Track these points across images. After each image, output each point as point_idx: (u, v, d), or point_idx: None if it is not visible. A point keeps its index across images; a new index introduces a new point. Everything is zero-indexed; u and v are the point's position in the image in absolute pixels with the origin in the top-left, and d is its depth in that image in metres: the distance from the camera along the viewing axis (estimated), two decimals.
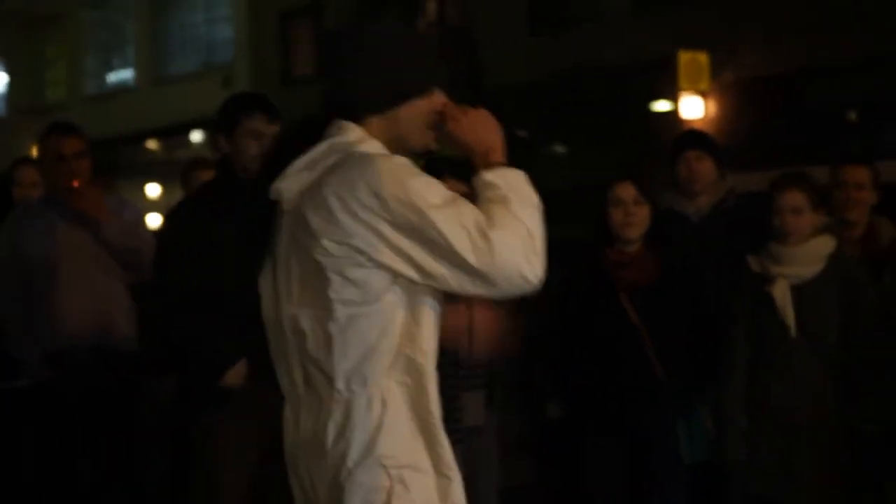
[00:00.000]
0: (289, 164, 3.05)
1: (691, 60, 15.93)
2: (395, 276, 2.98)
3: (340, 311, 2.99)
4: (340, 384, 3.02)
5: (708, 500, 5.56)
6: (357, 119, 3.10)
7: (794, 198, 5.29)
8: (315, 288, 3.00)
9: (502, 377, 5.07)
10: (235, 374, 4.72)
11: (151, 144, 27.04)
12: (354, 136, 3.07)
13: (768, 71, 15.28)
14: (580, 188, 7.17)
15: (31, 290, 5.90)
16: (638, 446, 5.31)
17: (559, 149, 19.26)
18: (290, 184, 3.05)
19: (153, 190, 25.18)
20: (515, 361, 5.16)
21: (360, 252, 2.94)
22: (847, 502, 5.23)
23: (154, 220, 15.75)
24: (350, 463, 3.01)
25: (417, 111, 3.13)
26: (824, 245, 5.33)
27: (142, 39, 27.20)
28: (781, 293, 5.28)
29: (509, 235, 2.95)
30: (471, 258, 2.92)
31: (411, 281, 2.99)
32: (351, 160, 2.99)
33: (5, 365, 5.99)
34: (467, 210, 2.95)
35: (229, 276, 4.70)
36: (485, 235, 2.93)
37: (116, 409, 5.91)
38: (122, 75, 28.25)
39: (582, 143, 18.07)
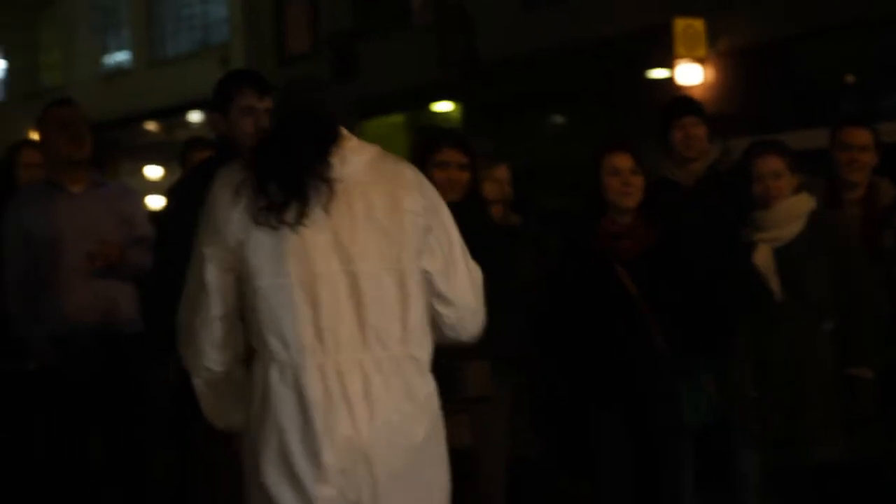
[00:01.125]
0: (306, 150, 3.40)
1: (687, 27, 15.89)
2: None
3: (417, 273, 3.42)
4: (412, 346, 3.40)
5: (715, 464, 5.60)
6: None
7: (774, 162, 5.36)
8: (400, 250, 3.39)
9: (507, 348, 5.07)
10: None
11: (149, 126, 27.00)
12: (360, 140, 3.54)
13: (765, 36, 15.24)
14: (578, 160, 7.17)
15: (36, 273, 5.92)
16: (640, 414, 5.33)
17: (557, 121, 19.24)
18: (353, 164, 3.41)
19: (152, 171, 25.15)
20: (515, 334, 5.16)
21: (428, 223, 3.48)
22: (850, 450, 5.27)
23: (154, 202, 15.76)
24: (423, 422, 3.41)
25: None
26: (802, 204, 5.38)
27: (137, 21, 27.13)
28: (763, 259, 5.33)
29: None
30: (474, 276, 3.58)
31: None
32: (398, 158, 3.58)
33: (13, 348, 6.02)
34: None
35: None
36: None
37: (121, 392, 5.94)
38: (118, 57, 28.20)
39: (579, 115, 18.04)
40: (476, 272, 3.59)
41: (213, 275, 3.42)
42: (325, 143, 3.41)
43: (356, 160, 3.42)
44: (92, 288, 5.89)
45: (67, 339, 5.87)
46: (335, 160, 3.39)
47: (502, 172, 6.21)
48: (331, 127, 3.46)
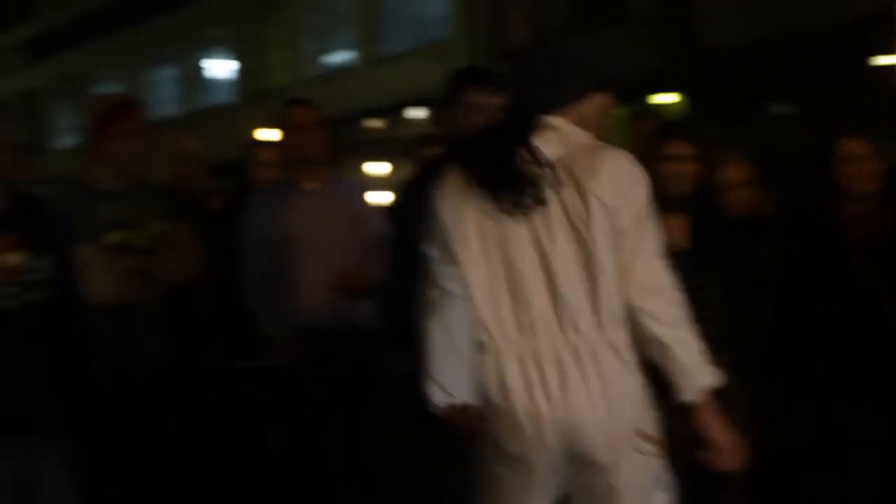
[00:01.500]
0: (512, 147, 3.51)
1: None
2: None
3: (607, 261, 3.45)
4: (607, 332, 3.45)
5: None
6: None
7: None
8: (589, 240, 3.44)
9: (745, 339, 5.01)
10: None
11: (371, 123, 27.42)
12: (570, 126, 3.56)
13: None
14: (804, 148, 7.05)
15: (273, 269, 6.04)
16: (887, 406, 5.21)
17: (780, 109, 18.89)
18: (550, 155, 3.48)
19: (374, 168, 25.53)
20: (753, 325, 5.10)
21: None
22: None
23: (374, 197, 15.96)
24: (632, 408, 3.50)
25: (591, 109, 3.62)
26: None
27: (358, 20, 27.57)
28: None
29: None
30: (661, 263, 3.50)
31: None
32: (601, 147, 3.53)
33: (251, 345, 6.17)
34: None
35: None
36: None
37: (359, 387, 6.00)
38: (340, 56, 28.69)
39: (802, 103, 17.67)
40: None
41: (437, 257, 3.62)
42: (525, 137, 3.52)
43: (554, 152, 3.50)
44: (327, 284, 5.98)
45: (304, 336, 5.96)
46: (536, 154, 3.49)
47: (739, 158, 6.15)
48: (532, 120, 3.56)
